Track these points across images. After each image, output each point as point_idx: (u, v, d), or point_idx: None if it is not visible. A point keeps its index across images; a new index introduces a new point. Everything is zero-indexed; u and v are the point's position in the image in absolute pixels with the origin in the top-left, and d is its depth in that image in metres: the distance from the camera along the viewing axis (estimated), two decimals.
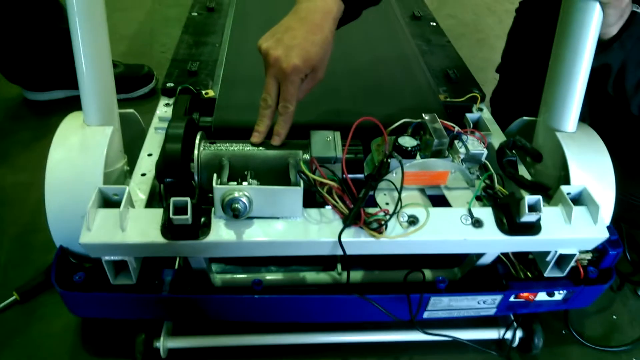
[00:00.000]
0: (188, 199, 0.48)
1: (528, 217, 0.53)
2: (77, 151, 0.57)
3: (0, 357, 0.63)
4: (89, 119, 0.60)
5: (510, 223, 0.54)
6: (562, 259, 0.59)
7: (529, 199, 0.52)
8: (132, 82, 1.14)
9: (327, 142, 0.57)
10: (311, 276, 0.65)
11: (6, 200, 0.87)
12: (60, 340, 0.65)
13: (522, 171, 0.70)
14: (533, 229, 0.54)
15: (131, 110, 0.70)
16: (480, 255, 0.60)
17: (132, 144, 0.69)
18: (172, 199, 0.48)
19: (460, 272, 0.66)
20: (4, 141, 1.00)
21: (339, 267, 0.66)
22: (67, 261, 0.58)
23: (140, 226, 0.50)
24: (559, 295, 0.62)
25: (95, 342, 0.65)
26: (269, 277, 0.65)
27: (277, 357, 0.65)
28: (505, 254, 0.65)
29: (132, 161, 0.66)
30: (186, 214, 0.48)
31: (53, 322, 0.67)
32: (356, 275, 0.66)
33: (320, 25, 0.56)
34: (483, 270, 0.63)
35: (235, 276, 0.64)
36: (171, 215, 0.48)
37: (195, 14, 1.05)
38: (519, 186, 0.65)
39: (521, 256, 0.66)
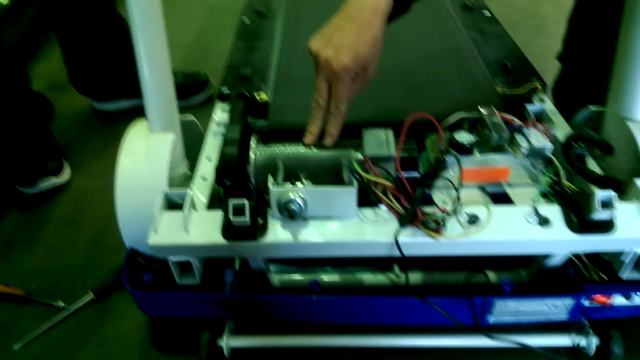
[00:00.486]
0: (246, 200, 0.49)
1: (600, 214, 0.49)
2: (143, 158, 0.60)
3: (77, 353, 0.68)
4: (153, 126, 0.63)
5: (580, 221, 0.51)
6: None
7: (600, 194, 0.49)
8: (189, 89, 1.19)
9: (380, 141, 0.56)
10: (368, 277, 0.64)
11: (82, 206, 0.93)
12: (132, 338, 0.68)
13: (592, 165, 0.66)
14: (606, 227, 0.50)
15: (191, 117, 0.73)
16: (548, 256, 0.57)
17: (192, 148, 0.72)
18: (231, 201, 0.49)
19: (528, 273, 0.63)
20: (78, 150, 1.08)
21: (396, 268, 0.65)
22: (136, 262, 0.62)
23: (202, 228, 0.52)
24: (639, 299, 0.58)
25: (163, 339, 0.68)
26: (326, 278, 0.65)
27: (337, 358, 0.65)
28: (577, 255, 0.62)
29: (192, 165, 0.68)
30: (244, 215, 0.49)
31: (125, 320, 0.71)
32: (415, 277, 0.64)
33: (369, 23, 0.55)
34: (553, 271, 0.59)
35: (293, 277, 0.64)
36: (230, 217, 0.49)
37: (246, 19, 1.07)
38: (588, 181, 0.61)
39: (595, 257, 0.61)
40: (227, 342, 0.62)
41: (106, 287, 0.74)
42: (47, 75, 1.34)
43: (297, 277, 0.64)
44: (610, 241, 0.51)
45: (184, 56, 1.42)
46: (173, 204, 0.55)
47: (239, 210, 0.49)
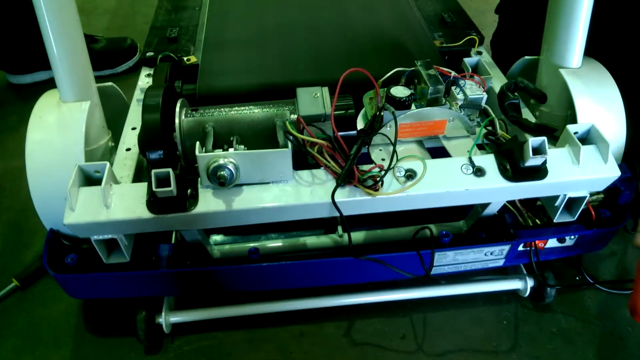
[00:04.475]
0: (170, 169, 0.46)
1: (533, 161, 0.50)
2: (55, 130, 0.55)
3: (2, 344, 0.63)
4: (64, 96, 0.57)
5: (514, 169, 0.51)
6: (572, 203, 0.56)
7: (532, 141, 0.49)
8: (115, 56, 1.10)
9: (315, 99, 0.54)
10: (312, 241, 0.63)
11: (1, 188, 0.86)
12: (63, 323, 0.64)
13: (527, 114, 0.67)
14: (539, 173, 0.51)
15: (110, 84, 0.67)
16: (485, 206, 0.58)
17: (116, 119, 0.66)
18: (154, 171, 0.45)
19: (466, 224, 0.64)
20: None
21: (340, 229, 0.64)
22: (60, 244, 0.57)
23: (125, 202, 0.48)
24: (570, 241, 0.60)
25: (98, 322, 0.64)
26: (269, 244, 0.63)
27: (283, 324, 0.64)
28: (512, 202, 0.63)
29: (117, 137, 0.63)
30: (169, 185, 0.45)
31: (54, 306, 0.66)
32: (358, 236, 0.64)
33: None
34: (490, 220, 0.60)
35: (233, 246, 0.62)
36: (154, 188, 0.45)
37: None
38: (523, 130, 0.62)
39: (529, 203, 0.63)
40: (167, 318, 0.59)
41: (31, 273, 0.69)
42: None
43: (237, 246, 0.62)
44: (542, 187, 0.51)
45: (108, 21, 1.31)
46: (91, 179, 0.50)
47: (163, 181, 0.46)
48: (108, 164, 0.49)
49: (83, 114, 0.56)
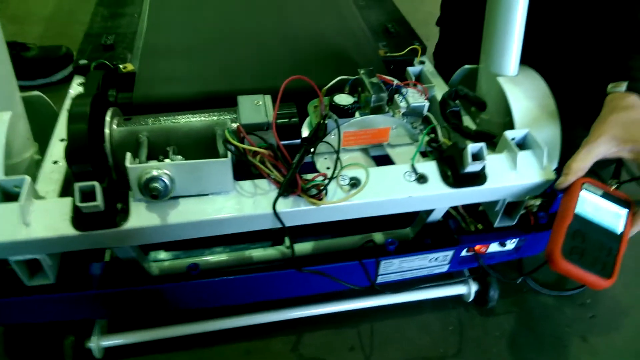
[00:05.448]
0: (96, 182, 0.42)
1: (472, 167, 0.50)
2: None
3: None
4: None
5: (455, 175, 0.51)
6: (512, 207, 0.57)
7: (472, 147, 0.50)
8: (49, 65, 1.04)
9: (257, 107, 0.52)
10: (258, 253, 0.61)
11: None
12: None
13: (468, 122, 0.68)
14: (478, 178, 0.52)
15: (36, 93, 0.63)
16: (429, 212, 0.58)
17: (45, 130, 0.62)
18: (77, 184, 0.42)
19: (413, 231, 0.64)
20: None
21: (287, 240, 0.62)
22: None
23: (47, 219, 0.44)
24: (511, 245, 0.61)
25: (20, 350, 0.59)
26: (213, 259, 0.60)
27: (228, 342, 0.61)
28: (455, 208, 0.64)
29: (44, 149, 0.59)
30: (95, 199, 0.42)
31: None
32: (306, 247, 0.62)
33: None
34: (435, 227, 0.61)
35: (173, 262, 0.59)
36: (78, 203, 0.42)
37: None
38: (464, 137, 0.63)
39: (472, 209, 0.64)
40: (98, 342, 0.55)
41: None
42: None
43: (178, 262, 0.59)
44: (482, 192, 0.52)
45: (43, 29, 1.23)
46: (11, 195, 0.46)
47: (88, 195, 0.42)
48: (27, 177, 0.45)
49: (3, 125, 0.51)
